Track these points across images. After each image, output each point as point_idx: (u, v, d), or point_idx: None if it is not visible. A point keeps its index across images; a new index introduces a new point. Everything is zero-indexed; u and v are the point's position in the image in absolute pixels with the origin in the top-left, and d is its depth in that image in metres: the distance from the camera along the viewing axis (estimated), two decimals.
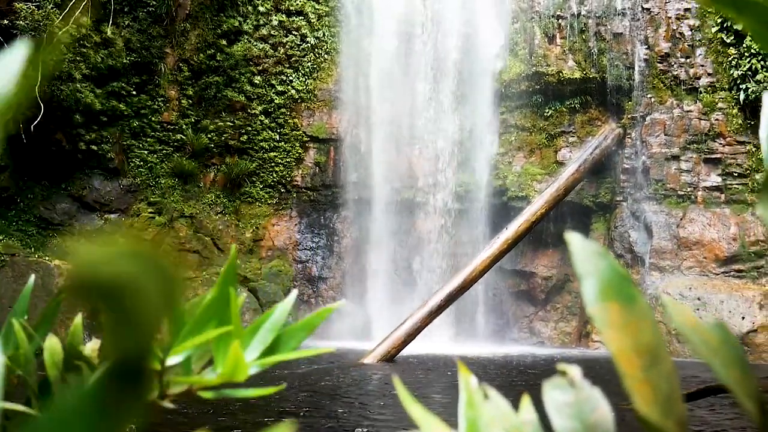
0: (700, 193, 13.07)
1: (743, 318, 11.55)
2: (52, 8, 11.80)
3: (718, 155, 13.07)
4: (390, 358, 10.45)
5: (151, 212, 14.40)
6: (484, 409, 0.42)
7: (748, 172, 12.92)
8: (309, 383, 7.52)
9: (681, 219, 12.94)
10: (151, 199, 14.48)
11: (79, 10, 12.67)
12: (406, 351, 10.82)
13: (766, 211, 0.45)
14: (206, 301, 0.67)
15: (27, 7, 11.60)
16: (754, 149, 12.95)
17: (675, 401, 0.39)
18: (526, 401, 0.45)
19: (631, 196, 13.45)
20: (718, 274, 12.50)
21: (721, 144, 13.09)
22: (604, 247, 0.42)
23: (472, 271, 11.70)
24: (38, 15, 11.62)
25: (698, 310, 11.81)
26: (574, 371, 0.42)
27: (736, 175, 12.99)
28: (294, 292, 0.80)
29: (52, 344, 0.76)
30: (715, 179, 13.05)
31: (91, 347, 0.73)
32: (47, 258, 11.94)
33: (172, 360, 0.65)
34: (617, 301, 0.39)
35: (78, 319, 0.79)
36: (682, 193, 13.14)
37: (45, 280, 11.35)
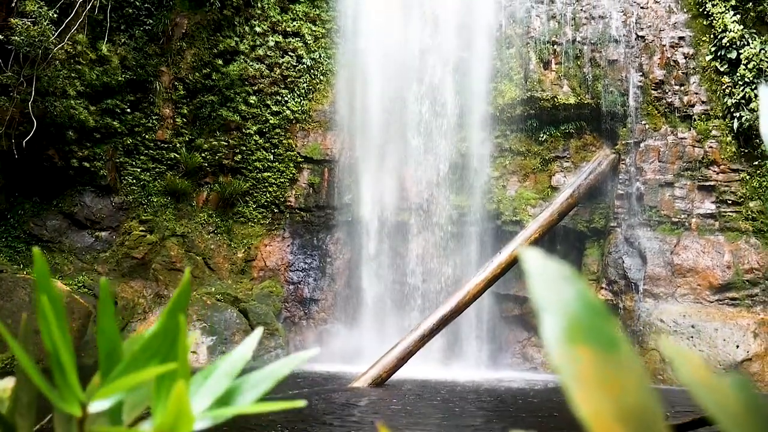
0: (694, 220, 13.02)
1: (737, 347, 11.43)
2: (48, 25, 11.77)
3: (712, 182, 13.06)
4: (381, 382, 10.29)
5: (142, 230, 14.24)
6: None
7: (742, 200, 12.89)
8: (296, 407, 7.34)
9: (675, 246, 12.88)
10: (143, 217, 14.34)
11: (75, 27, 12.66)
12: (398, 375, 10.66)
13: None
14: (150, 333, 0.58)
15: (23, 23, 11.58)
16: (747, 177, 12.94)
17: None
18: None
19: (626, 222, 13.40)
20: (712, 302, 12.40)
21: (715, 171, 13.08)
22: (574, 270, 0.31)
23: (465, 294, 11.59)
24: (34, 31, 11.58)
25: (692, 338, 11.70)
26: None
27: (730, 202, 12.97)
28: (259, 330, 0.70)
29: None
30: (709, 206, 13.02)
31: (1, 387, 0.63)
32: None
33: (98, 405, 0.54)
34: (590, 346, 0.27)
35: None
36: (676, 219, 13.10)
37: (33, 297, 11.17)
